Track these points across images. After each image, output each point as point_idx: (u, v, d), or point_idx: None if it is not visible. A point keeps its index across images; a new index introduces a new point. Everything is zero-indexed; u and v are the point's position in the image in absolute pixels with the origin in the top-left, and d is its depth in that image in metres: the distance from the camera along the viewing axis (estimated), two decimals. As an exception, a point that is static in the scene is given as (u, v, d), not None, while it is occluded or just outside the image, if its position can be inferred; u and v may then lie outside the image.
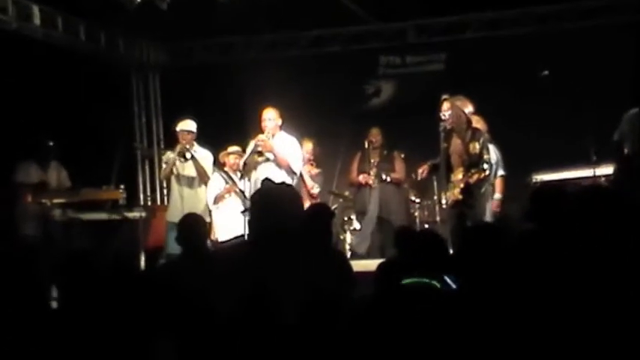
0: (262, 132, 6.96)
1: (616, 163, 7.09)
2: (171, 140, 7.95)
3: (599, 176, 7.31)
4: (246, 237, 6.15)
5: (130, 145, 9.58)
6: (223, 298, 2.91)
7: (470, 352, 2.59)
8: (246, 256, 3.04)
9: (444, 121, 6.64)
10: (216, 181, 7.81)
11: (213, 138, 8.10)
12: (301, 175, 7.69)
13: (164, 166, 7.90)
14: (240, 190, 7.36)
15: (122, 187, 7.95)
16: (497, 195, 7.14)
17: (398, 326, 2.65)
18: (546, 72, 7.76)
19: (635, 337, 2.59)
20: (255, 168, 6.93)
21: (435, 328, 2.62)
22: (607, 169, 7.28)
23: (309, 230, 3.39)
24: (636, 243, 2.96)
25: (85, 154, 8.23)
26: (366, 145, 8.26)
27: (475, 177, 6.31)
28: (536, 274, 2.89)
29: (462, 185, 6.40)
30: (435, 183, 7.75)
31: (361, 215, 8.38)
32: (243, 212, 6.90)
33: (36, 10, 7.85)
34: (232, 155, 7.76)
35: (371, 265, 4.67)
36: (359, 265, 5.56)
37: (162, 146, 9.81)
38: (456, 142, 6.57)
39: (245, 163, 7.01)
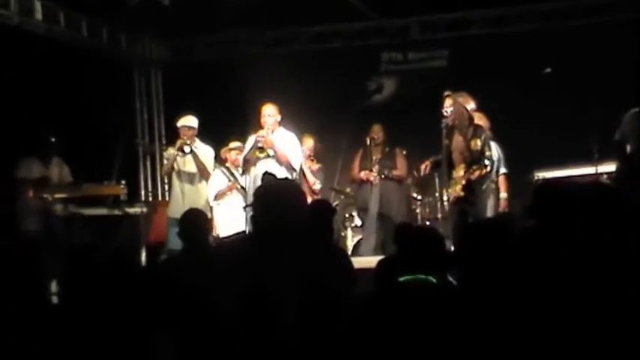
0: (262, 128, 6.96)
1: (618, 163, 7.08)
2: (173, 136, 7.96)
3: (601, 174, 7.30)
4: (247, 233, 6.14)
5: (131, 140, 9.58)
6: (224, 293, 2.91)
7: (468, 347, 2.59)
8: (248, 252, 3.03)
9: (446, 117, 6.63)
10: (218, 178, 7.81)
11: (215, 134, 8.10)
12: (303, 171, 7.69)
13: (165, 162, 7.91)
14: (242, 186, 7.36)
15: (123, 182, 7.95)
16: (503, 194, 7.10)
17: (395, 323, 2.64)
18: (549, 69, 7.74)
19: (634, 335, 2.58)
20: (254, 164, 6.93)
21: (432, 324, 2.62)
22: (609, 167, 7.27)
23: (310, 226, 3.38)
24: (636, 242, 2.96)
25: (86, 149, 8.23)
26: (368, 142, 8.24)
27: (476, 173, 6.30)
28: (537, 271, 2.88)
29: (463, 182, 6.40)
30: (437, 180, 7.74)
31: (362, 212, 8.37)
32: (245, 208, 6.90)
33: (38, 5, 7.84)
34: (234, 151, 7.77)
35: (372, 261, 4.66)
36: (360, 262, 5.56)
37: (163, 142, 9.81)
38: (457, 139, 6.56)
39: (246, 159, 7.01)
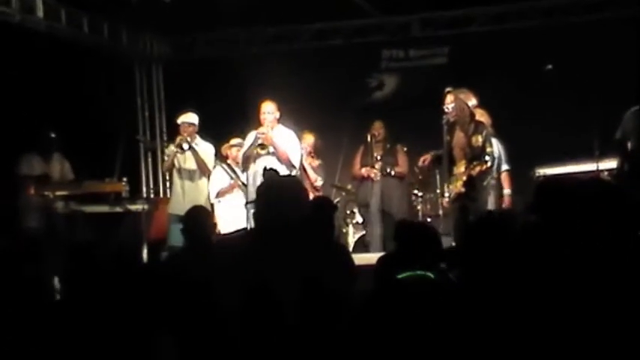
0: (261, 125, 6.97)
1: (619, 160, 7.08)
2: (174, 133, 7.97)
3: (602, 171, 7.30)
4: (249, 229, 6.15)
5: (132, 137, 9.58)
6: (226, 290, 2.91)
7: (468, 343, 2.59)
8: (249, 249, 3.04)
9: (447, 113, 6.63)
10: (219, 175, 7.82)
11: (216, 131, 8.11)
12: (304, 168, 7.70)
13: (166, 158, 7.92)
14: (243, 183, 7.37)
15: (125, 179, 7.96)
16: (507, 190, 7.09)
17: (394, 321, 2.65)
18: (550, 66, 7.74)
19: (634, 332, 2.59)
20: (255, 161, 6.93)
21: (431, 320, 2.62)
22: (610, 164, 7.27)
23: (311, 223, 3.38)
24: (637, 240, 2.96)
25: (88, 146, 8.24)
26: (369, 139, 8.24)
27: (477, 169, 6.30)
28: (538, 269, 2.89)
29: (464, 178, 6.40)
30: (438, 176, 7.74)
31: (364, 208, 8.37)
32: (247, 204, 6.91)
33: (39, 2, 7.84)
34: (235, 148, 7.78)
35: (373, 258, 4.67)
36: (361, 259, 5.56)
37: (164, 139, 9.83)
38: (458, 135, 6.56)
39: (247, 156, 7.02)
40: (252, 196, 6.25)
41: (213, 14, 8.67)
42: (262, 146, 6.92)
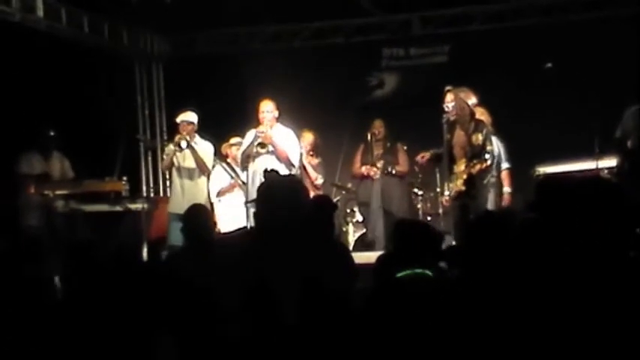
0: (260, 124, 6.97)
1: (619, 160, 7.09)
2: (174, 132, 7.96)
3: (602, 169, 7.30)
4: (249, 228, 6.15)
5: (132, 136, 9.58)
6: (226, 289, 2.91)
7: (468, 341, 2.60)
8: (249, 248, 3.04)
9: (447, 112, 6.63)
10: (219, 174, 7.82)
11: (216, 129, 8.11)
12: (304, 166, 7.70)
13: (165, 157, 7.92)
14: (243, 182, 7.37)
15: (125, 178, 7.97)
16: (507, 189, 7.09)
17: (393, 319, 2.65)
18: (550, 64, 7.74)
19: (634, 331, 2.59)
20: (254, 159, 6.94)
21: (430, 318, 2.63)
22: (610, 162, 7.27)
23: (311, 222, 3.39)
24: (636, 238, 2.96)
25: (88, 145, 8.24)
26: (369, 138, 8.24)
27: (477, 167, 6.31)
28: (537, 267, 2.89)
29: (464, 176, 6.40)
30: (438, 175, 7.74)
31: (364, 207, 8.37)
32: (246, 203, 6.91)
33: (39, 1, 7.84)
34: (234, 147, 7.78)
35: (373, 257, 4.67)
36: (361, 257, 5.56)
37: (165, 138, 9.82)
38: (459, 134, 6.57)
39: (246, 154, 7.02)
40: (252, 195, 6.26)
41: (213, 13, 8.68)
42: (262, 145, 6.92)
